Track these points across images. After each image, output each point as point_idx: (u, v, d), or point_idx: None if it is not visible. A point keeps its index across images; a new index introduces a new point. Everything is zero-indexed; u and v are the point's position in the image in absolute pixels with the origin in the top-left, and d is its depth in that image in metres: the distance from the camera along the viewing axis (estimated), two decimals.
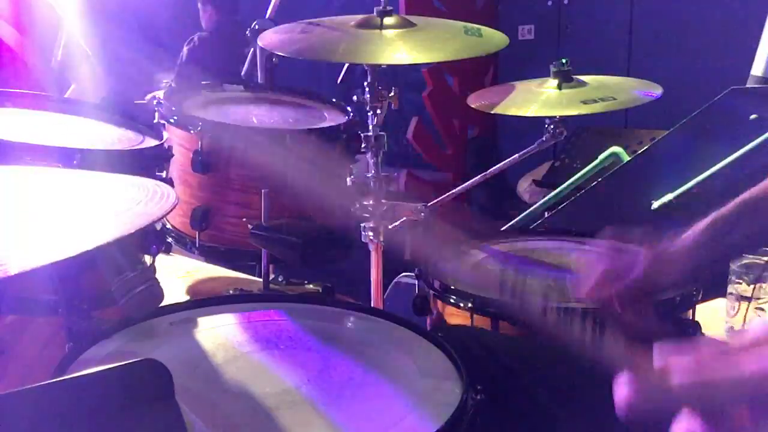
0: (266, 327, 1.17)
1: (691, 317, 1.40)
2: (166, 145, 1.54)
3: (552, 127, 2.03)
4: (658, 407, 0.54)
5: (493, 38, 1.74)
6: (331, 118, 1.87)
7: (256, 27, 2.02)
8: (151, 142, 1.54)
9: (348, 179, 1.72)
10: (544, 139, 2.04)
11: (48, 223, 0.78)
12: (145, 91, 2.27)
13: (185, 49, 4.51)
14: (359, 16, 1.72)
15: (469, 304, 1.34)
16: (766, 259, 1.76)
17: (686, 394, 0.53)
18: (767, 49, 2.20)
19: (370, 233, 1.72)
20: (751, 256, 1.75)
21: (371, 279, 1.72)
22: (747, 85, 2.22)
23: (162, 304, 1.13)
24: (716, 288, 1.82)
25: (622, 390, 0.55)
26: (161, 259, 1.50)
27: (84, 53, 2.78)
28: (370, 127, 1.71)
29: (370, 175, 1.70)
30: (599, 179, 2.18)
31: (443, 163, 4.41)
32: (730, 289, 1.79)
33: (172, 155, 1.58)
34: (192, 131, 1.70)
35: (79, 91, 2.72)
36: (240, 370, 1.04)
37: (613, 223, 1.07)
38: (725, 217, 1.00)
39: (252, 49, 2.16)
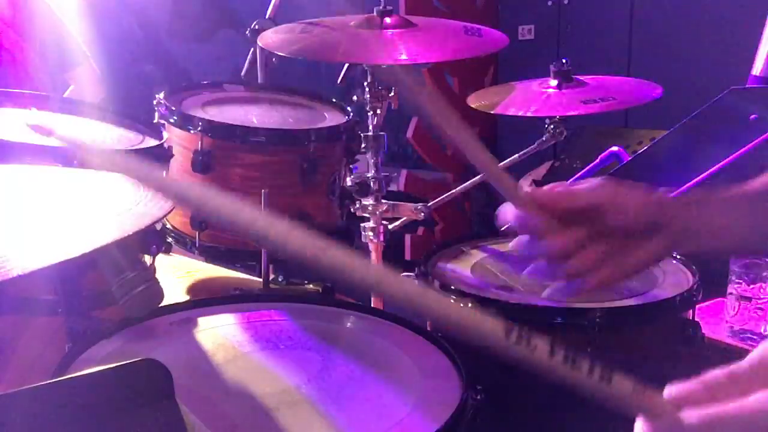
0: (266, 327, 1.18)
1: (691, 317, 1.41)
2: (166, 145, 1.54)
3: (552, 127, 2.03)
4: None
5: (493, 38, 1.74)
6: (331, 118, 1.87)
7: (256, 27, 2.01)
8: (151, 142, 1.54)
9: (348, 179, 1.73)
10: (544, 139, 2.04)
11: (48, 224, 0.78)
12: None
13: None
14: (359, 16, 1.72)
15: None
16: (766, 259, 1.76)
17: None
18: (767, 49, 2.20)
19: (370, 233, 1.72)
20: (750, 256, 1.75)
21: None
22: (747, 85, 2.22)
23: (162, 304, 1.13)
24: (716, 288, 1.82)
25: None
26: (161, 259, 1.50)
27: (83, 55, 2.77)
28: (370, 127, 1.71)
29: (370, 175, 1.70)
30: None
31: (443, 163, 4.41)
32: (730, 289, 1.80)
33: (172, 155, 1.58)
34: (192, 131, 1.70)
35: (78, 92, 2.72)
36: (240, 370, 1.05)
37: None
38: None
39: (252, 49, 2.16)
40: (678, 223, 0.86)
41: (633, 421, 0.57)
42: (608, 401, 0.56)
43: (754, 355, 0.58)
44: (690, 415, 0.54)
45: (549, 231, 0.83)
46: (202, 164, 1.68)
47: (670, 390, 0.57)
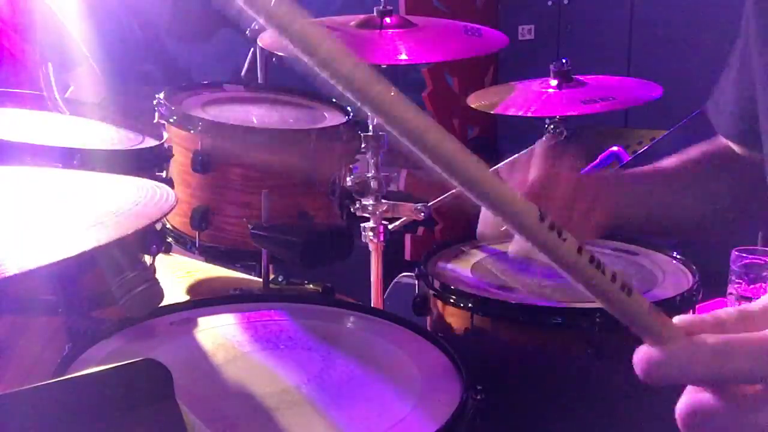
0: (266, 327, 1.18)
1: None
2: (166, 145, 1.54)
3: (552, 127, 2.02)
4: (676, 381, 0.54)
5: (493, 38, 1.74)
6: (331, 118, 1.87)
7: (256, 27, 2.01)
8: (151, 142, 1.54)
9: (348, 179, 1.73)
10: (544, 139, 2.04)
11: (47, 224, 0.78)
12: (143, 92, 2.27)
13: None
14: (359, 16, 1.72)
15: (469, 304, 1.34)
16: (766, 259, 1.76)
17: (705, 373, 0.52)
18: None
19: (370, 233, 1.72)
20: (750, 256, 1.75)
21: (371, 279, 1.72)
22: None
23: (162, 304, 1.13)
24: (716, 288, 1.82)
25: (640, 360, 0.54)
26: (161, 259, 1.50)
27: (82, 55, 2.77)
28: (370, 127, 1.71)
29: (370, 175, 1.70)
30: None
31: None
32: (730, 289, 1.80)
33: (172, 155, 1.57)
34: (192, 131, 1.70)
35: (78, 93, 2.72)
36: (240, 370, 1.05)
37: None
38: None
39: (252, 49, 2.16)
40: (602, 198, 0.99)
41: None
42: (623, 314, 0.55)
43: (765, 298, 0.57)
44: (703, 340, 0.53)
45: None
46: (202, 164, 1.68)
47: (682, 318, 0.55)
